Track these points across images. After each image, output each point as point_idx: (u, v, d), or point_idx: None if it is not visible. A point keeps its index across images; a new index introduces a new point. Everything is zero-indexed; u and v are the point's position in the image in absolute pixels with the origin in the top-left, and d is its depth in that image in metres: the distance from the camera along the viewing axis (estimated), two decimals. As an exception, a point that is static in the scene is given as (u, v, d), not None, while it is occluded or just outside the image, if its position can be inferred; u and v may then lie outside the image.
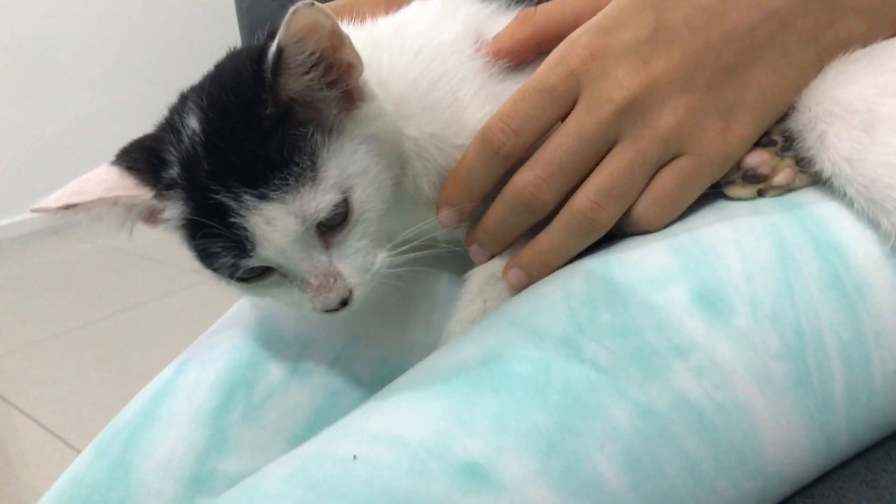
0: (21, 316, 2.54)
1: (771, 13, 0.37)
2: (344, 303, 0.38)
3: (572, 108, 0.38)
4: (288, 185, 0.35)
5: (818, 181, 0.38)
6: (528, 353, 0.34)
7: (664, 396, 0.32)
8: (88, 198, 0.36)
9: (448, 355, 0.36)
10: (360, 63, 0.38)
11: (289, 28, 0.34)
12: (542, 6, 0.42)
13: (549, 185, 0.38)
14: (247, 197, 0.35)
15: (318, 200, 0.35)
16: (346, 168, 0.37)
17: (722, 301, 0.34)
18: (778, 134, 0.39)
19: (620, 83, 0.37)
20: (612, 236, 0.39)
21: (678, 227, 0.38)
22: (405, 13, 0.45)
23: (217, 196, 0.35)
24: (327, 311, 0.38)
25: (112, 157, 0.39)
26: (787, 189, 0.38)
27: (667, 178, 0.37)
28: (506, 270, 0.41)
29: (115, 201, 0.36)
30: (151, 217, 0.39)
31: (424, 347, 0.44)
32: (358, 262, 0.38)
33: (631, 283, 0.35)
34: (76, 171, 0.38)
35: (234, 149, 0.36)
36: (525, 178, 0.38)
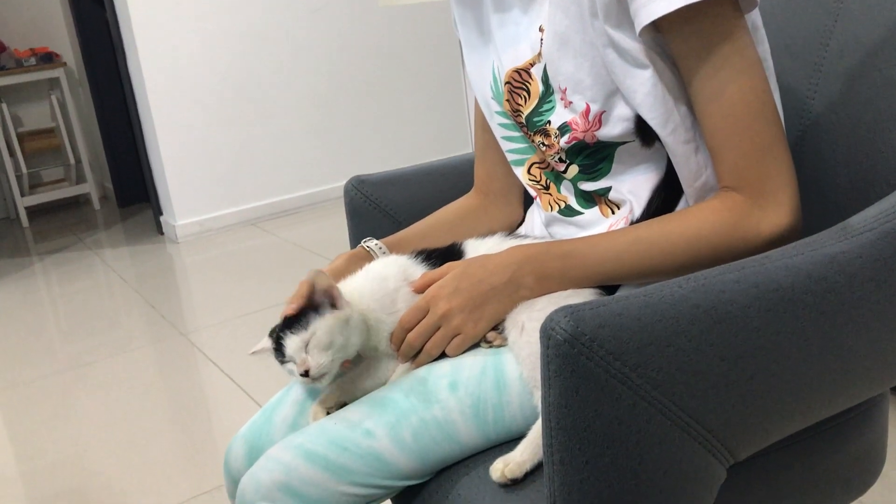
0: (222, 294, 3.09)
1: (492, 287, 0.92)
2: (305, 373, 0.86)
3: (426, 315, 1.00)
4: (296, 331, 0.87)
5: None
6: (399, 398, 0.91)
7: (430, 415, 0.88)
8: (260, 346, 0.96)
9: (380, 393, 0.96)
10: (345, 302, 0.89)
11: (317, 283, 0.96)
12: (428, 272, 1.01)
13: (417, 342, 0.94)
14: (287, 332, 0.89)
15: (300, 339, 0.86)
16: (315, 334, 0.86)
17: (457, 384, 0.90)
18: (500, 325, 1.02)
19: (440, 307, 0.92)
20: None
21: (460, 357, 0.96)
22: (373, 266, 1.01)
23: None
24: (301, 375, 0.86)
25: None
26: (499, 346, 0.98)
27: (454, 342, 0.93)
28: (413, 365, 0.98)
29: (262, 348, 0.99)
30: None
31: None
32: (312, 362, 0.85)
33: (433, 377, 0.92)
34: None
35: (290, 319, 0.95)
36: (410, 336, 0.95)
